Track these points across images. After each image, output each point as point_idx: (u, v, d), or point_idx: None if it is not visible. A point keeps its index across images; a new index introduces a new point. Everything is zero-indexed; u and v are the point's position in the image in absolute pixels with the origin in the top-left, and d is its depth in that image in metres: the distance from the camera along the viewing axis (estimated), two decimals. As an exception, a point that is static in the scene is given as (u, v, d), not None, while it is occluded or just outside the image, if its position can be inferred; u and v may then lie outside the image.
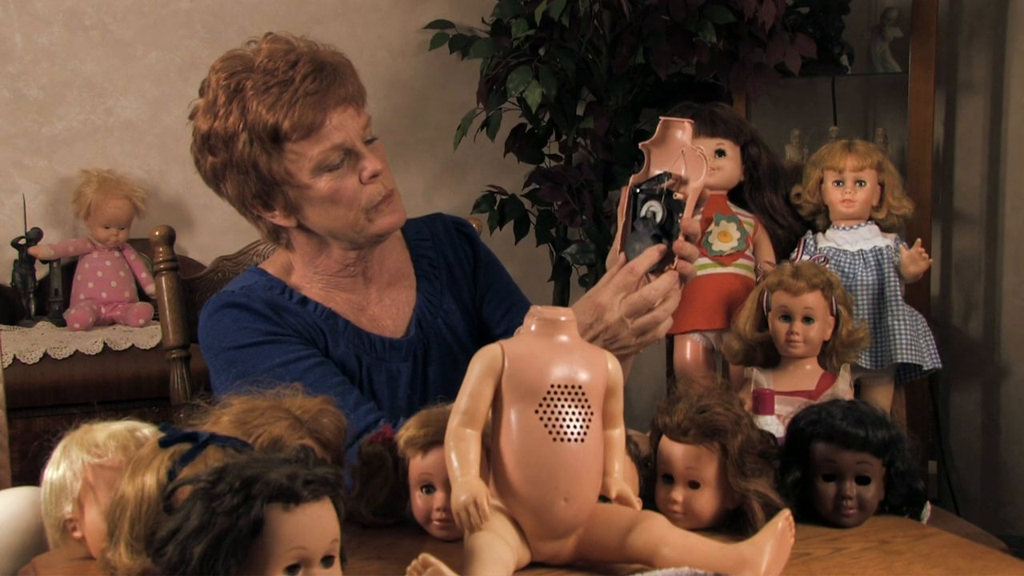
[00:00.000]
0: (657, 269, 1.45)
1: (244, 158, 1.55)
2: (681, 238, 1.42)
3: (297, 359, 1.57)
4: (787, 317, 1.75)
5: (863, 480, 1.28)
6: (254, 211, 1.62)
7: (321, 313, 1.65)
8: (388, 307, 1.72)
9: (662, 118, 1.44)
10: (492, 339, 1.14)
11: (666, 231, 1.42)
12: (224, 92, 1.55)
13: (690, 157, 1.41)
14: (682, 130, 1.43)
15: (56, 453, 1.23)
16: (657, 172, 1.43)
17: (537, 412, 1.09)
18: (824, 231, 2.06)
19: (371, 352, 1.66)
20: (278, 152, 1.55)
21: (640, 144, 1.47)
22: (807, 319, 1.74)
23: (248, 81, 1.54)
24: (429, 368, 1.69)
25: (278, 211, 1.61)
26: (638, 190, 1.44)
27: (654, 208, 1.42)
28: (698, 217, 1.44)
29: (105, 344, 2.85)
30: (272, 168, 1.55)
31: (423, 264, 1.77)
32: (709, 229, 1.98)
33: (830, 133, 3.32)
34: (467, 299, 1.77)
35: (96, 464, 1.20)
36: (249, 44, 1.60)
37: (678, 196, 1.41)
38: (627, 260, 1.45)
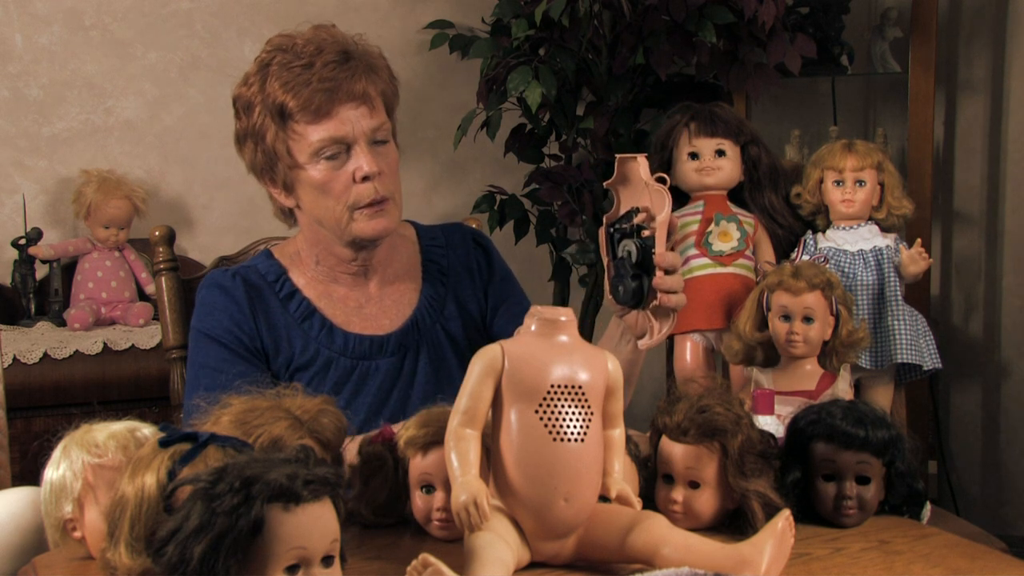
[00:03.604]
0: (645, 305, 1.46)
1: (256, 127, 1.61)
2: (660, 273, 1.43)
3: (219, 370, 1.60)
4: (787, 317, 1.75)
5: (863, 480, 1.28)
6: (264, 183, 1.68)
7: (301, 313, 1.67)
8: (388, 307, 1.72)
9: (617, 156, 1.46)
10: None
11: (644, 268, 1.44)
12: (258, 64, 1.63)
13: (653, 192, 1.43)
14: (638, 166, 1.44)
15: (56, 453, 1.23)
16: (626, 210, 1.45)
17: (537, 412, 1.09)
18: (824, 231, 2.06)
19: (345, 353, 1.66)
20: (283, 128, 1.59)
21: (605, 184, 1.48)
22: (807, 319, 1.74)
23: (277, 57, 1.60)
24: (418, 367, 1.69)
25: (279, 187, 1.65)
26: (612, 229, 1.46)
27: (629, 247, 1.45)
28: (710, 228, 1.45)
29: (105, 344, 2.85)
30: (276, 143, 1.60)
31: (432, 269, 1.76)
32: (709, 229, 1.98)
33: (830, 133, 3.32)
34: (473, 310, 1.77)
35: (96, 464, 1.20)
36: (313, 28, 1.65)
37: (646, 233, 1.43)
38: (614, 301, 1.47)
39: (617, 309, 1.53)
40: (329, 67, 1.57)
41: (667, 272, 1.45)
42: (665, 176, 1.48)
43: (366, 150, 1.59)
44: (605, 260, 1.48)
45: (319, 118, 1.57)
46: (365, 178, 1.58)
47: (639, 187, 1.44)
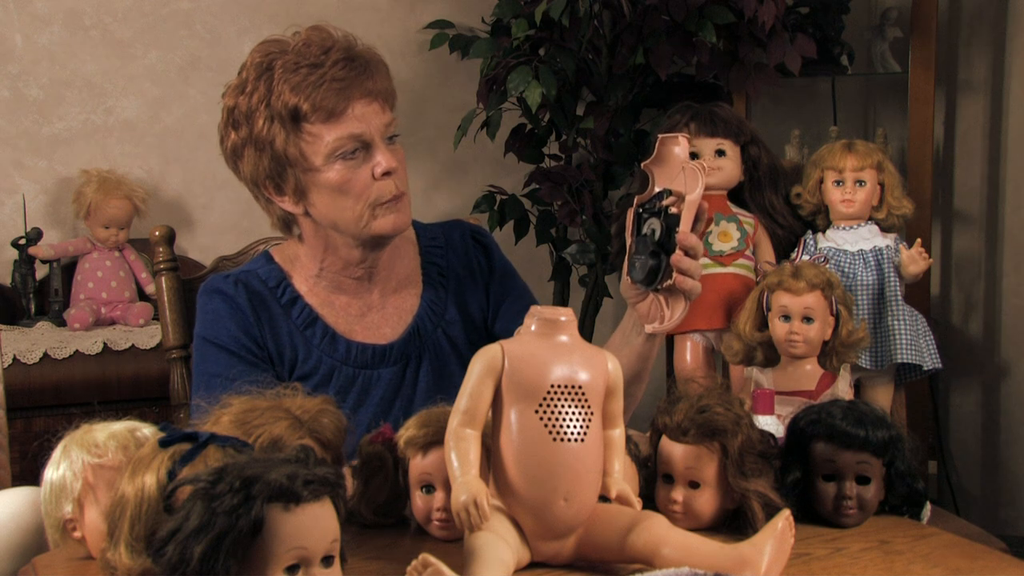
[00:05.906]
0: (658, 285, 1.44)
1: (262, 135, 1.57)
2: (679, 253, 1.41)
3: (228, 377, 1.56)
4: (787, 317, 1.75)
5: (863, 480, 1.28)
6: (266, 193, 1.63)
7: (304, 320, 1.65)
8: (390, 314, 1.70)
9: (659, 136, 1.44)
10: None
11: (664, 247, 1.42)
12: (255, 70, 1.58)
13: (688, 171, 1.41)
14: (679, 145, 1.43)
15: (56, 453, 1.23)
16: (658, 191, 1.43)
17: (537, 412, 1.09)
18: (824, 231, 2.06)
19: (348, 362, 1.65)
20: (295, 132, 1.56)
21: (642, 164, 1.47)
22: (807, 319, 1.74)
23: (279, 61, 1.57)
24: (420, 375, 1.68)
25: (288, 195, 1.61)
26: (640, 209, 1.44)
27: (653, 225, 1.42)
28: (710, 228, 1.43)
29: (105, 344, 2.85)
30: (287, 148, 1.56)
31: (432, 272, 1.74)
32: (709, 229, 1.98)
33: (830, 133, 3.32)
34: (475, 311, 1.75)
35: (96, 464, 1.20)
36: (295, 34, 1.63)
37: (674, 210, 1.41)
38: (630, 279, 1.45)
39: (632, 296, 1.50)
40: (339, 66, 1.55)
41: (687, 255, 1.42)
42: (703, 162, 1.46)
43: (383, 146, 1.58)
44: (628, 241, 1.46)
45: (334, 117, 1.54)
46: (385, 174, 1.57)
47: (675, 169, 1.42)
